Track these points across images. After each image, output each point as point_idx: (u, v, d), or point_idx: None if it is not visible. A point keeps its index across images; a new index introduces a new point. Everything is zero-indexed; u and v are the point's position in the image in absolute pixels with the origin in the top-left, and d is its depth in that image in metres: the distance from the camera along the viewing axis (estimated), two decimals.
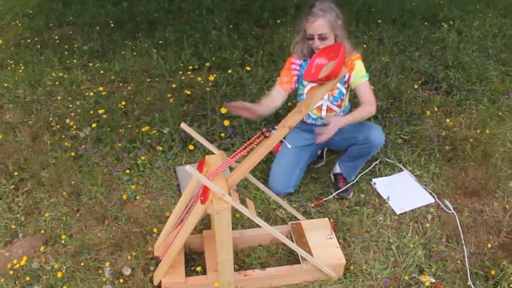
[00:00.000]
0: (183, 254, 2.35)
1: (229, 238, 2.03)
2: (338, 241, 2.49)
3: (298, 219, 2.58)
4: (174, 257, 2.18)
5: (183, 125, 2.22)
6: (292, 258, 2.46)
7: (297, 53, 2.68)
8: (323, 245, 2.39)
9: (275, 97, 2.71)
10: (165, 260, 2.20)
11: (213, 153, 2.25)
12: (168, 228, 2.35)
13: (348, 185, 2.87)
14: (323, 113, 2.78)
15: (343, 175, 2.88)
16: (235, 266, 2.38)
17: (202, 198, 1.99)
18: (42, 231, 2.61)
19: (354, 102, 2.81)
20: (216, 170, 2.00)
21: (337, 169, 2.91)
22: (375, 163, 3.10)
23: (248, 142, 2.07)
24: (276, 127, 2.10)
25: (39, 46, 4.61)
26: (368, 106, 2.61)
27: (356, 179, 2.95)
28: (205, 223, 2.60)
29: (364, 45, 4.55)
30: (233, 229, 2.18)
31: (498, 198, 2.91)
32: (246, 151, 2.04)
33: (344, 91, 2.72)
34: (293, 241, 2.38)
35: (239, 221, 2.67)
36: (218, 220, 1.96)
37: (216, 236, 2.02)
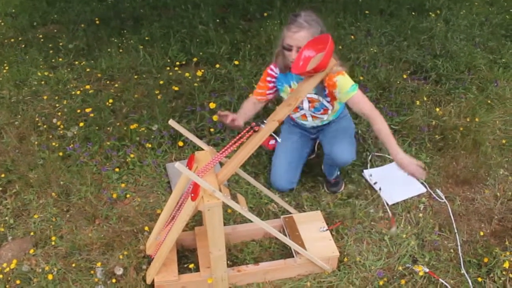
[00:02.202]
0: (175, 251, 2.32)
1: (221, 234, 2.01)
2: (331, 233, 2.48)
3: (290, 213, 2.57)
4: (167, 255, 2.15)
5: (171, 122, 2.20)
6: (286, 252, 2.44)
7: (278, 64, 2.54)
8: (316, 238, 2.38)
9: (251, 108, 2.66)
10: (157, 258, 2.18)
11: (202, 149, 2.22)
12: (160, 226, 2.33)
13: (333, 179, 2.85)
14: (309, 119, 2.71)
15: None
16: (228, 262, 2.37)
17: (192, 195, 1.96)
18: (32, 233, 2.58)
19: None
20: (206, 166, 1.98)
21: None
22: (369, 156, 3.10)
23: (237, 137, 2.05)
24: (265, 121, 2.09)
25: (23, 46, 4.54)
26: (377, 123, 2.38)
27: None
28: (197, 220, 2.58)
29: (352, 36, 4.54)
30: (225, 224, 2.17)
31: (489, 186, 2.91)
32: (236, 146, 2.02)
33: (328, 104, 2.58)
34: (286, 235, 2.37)
35: (231, 217, 2.65)
36: (210, 217, 1.94)
37: (208, 232, 2.00)
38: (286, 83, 2.58)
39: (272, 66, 2.60)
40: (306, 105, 2.61)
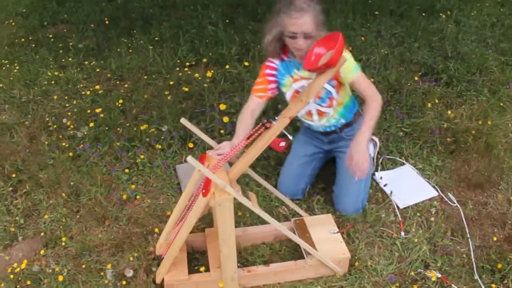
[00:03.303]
0: (185, 252, 2.32)
1: (232, 231, 2.00)
2: (342, 236, 2.46)
3: (301, 216, 2.55)
4: (176, 254, 2.15)
5: (183, 120, 2.21)
6: (296, 255, 2.43)
7: (273, 52, 2.42)
8: (327, 240, 2.36)
9: (249, 119, 2.42)
10: (167, 257, 2.17)
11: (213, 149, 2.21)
12: (170, 226, 2.32)
13: None
14: (315, 117, 2.62)
15: None
16: (239, 264, 2.36)
17: (203, 191, 1.96)
18: (42, 234, 2.58)
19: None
20: (217, 163, 1.97)
21: None
22: (380, 158, 3.07)
23: (249, 134, 2.05)
24: (276, 118, 2.06)
25: (33, 45, 4.56)
26: (373, 102, 2.31)
27: None
28: (207, 222, 2.57)
29: (362, 38, 4.52)
30: (235, 227, 2.15)
31: (502, 190, 2.88)
32: (247, 143, 2.00)
33: (332, 89, 2.48)
34: (295, 231, 2.37)
35: (241, 219, 2.63)
36: (220, 213, 1.93)
37: (219, 229, 1.99)
38: (287, 73, 2.48)
39: (270, 60, 2.49)
40: None
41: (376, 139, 3.01)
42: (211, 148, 2.25)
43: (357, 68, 2.35)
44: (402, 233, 2.55)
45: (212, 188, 1.92)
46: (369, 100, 2.33)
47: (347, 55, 2.29)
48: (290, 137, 2.24)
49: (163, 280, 2.21)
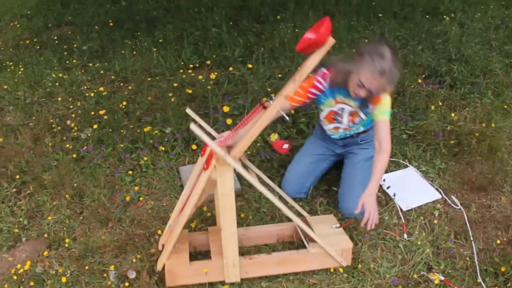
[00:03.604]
0: (187, 243, 2.34)
1: (233, 206, 2.03)
2: (345, 231, 2.46)
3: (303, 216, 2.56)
4: (178, 235, 2.15)
5: (188, 110, 2.26)
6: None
7: (334, 78, 2.39)
8: (329, 233, 2.36)
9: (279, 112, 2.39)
10: (169, 241, 2.17)
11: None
12: (173, 218, 2.33)
13: None
14: (340, 131, 2.68)
15: None
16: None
17: (205, 166, 1.99)
18: (46, 235, 2.59)
19: None
20: (220, 141, 2.02)
21: None
22: None
23: (248, 115, 2.09)
24: (273, 97, 2.04)
25: (38, 47, 4.58)
26: (384, 153, 2.42)
27: None
28: (210, 223, 2.57)
29: (366, 40, 4.51)
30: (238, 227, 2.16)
31: (505, 192, 2.87)
32: (247, 122, 2.08)
33: (364, 117, 2.58)
34: (299, 233, 2.39)
35: (244, 221, 2.64)
36: (221, 184, 1.98)
37: (219, 204, 2.03)
38: (331, 96, 2.51)
39: (320, 78, 2.44)
40: (346, 120, 2.59)
41: None
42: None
43: (388, 113, 2.45)
44: (405, 236, 2.54)
45: (213, 162, 1.95)
46: (382, 150, 2.43)
47: (387, 98, 2.43)
48: (287, 118, 2.21)
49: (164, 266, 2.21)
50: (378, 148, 2.45)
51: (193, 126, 1.84)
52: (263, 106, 2.03)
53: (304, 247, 2.32)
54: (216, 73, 3.97)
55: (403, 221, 2.64)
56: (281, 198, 2.65)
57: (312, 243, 2.28)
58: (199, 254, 2.45)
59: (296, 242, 2.50)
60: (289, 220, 2.63)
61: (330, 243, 2.27)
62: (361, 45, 2.34)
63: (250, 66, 4.06)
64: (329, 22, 2.02)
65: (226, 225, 2.07)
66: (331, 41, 2.05)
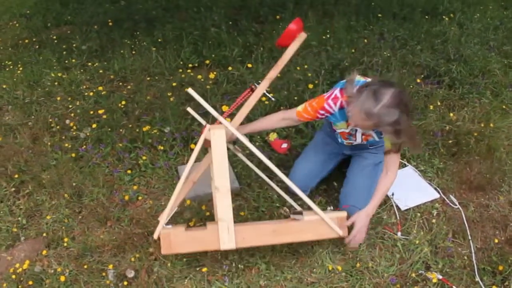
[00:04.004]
0: (185, 225, 2.37)
1: (225, 161, 2.19)
2: (343, 238, 2.46)
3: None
4: (176, 199, 2.28)
5: (190, 90, 2.35)
6: (298, 256, 2.43)
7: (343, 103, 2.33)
8: (325, 212, 2.37)
9: (287, 121, 2.53)
10: (167, 208, 2.25)
11: None
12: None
13: None
14: (354, 144, 2.64)
15: None
16: (240, 265, 2.37)
17: (200, 133, 2.24)
18: (44, 234, 2.59)
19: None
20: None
21: None
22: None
23: (239, 98, 2.41)
24: (260, 81, 2.41)
25: (37, 47, 4.57)
26: (390, 179, 2.38)
27: None
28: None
29: (365, 40, 4.52)
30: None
31: (503, 192, 2.88)
32: (240, 102, 2.41)
33: (377, 140, 2.53)
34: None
35: (242, 220, 2.64)
36: (214, 142, 2.19)
37: (213, 160, 2.18)
38: (342, 119, 2.44)
39: (330, 102, 2.36)
40: (359, 139, 2.54)
41: None
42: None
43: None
44: (399, 233, 2.55)
45: (208, 126, 2.22)
46: (387, 176, 2.38)
47: None
48: (272, 98, 2.65)
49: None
50: (385, 173, 2.38)
51: (190, 90, 2.22)
52: (252, 89, 2.40)
53: None
54: (215, 73, 3.97)
55: (398, 219, 2.65)
56: (278, 199, 2.67)
57: (306, 211, 2.31)
58: (197, 254, 2.45)
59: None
60: (286, 217, 2.66)
61: (325, 213, 2.29)
62: (373, 79, 2.22)
63: (249, 65, 4.06)
64: (301, 20, 2.48)
65: (219, 181, 2.16)
66: (303, 35, 2.48)
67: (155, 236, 2.23)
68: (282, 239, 2.26)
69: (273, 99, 2.66)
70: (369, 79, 2.28)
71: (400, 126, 2.04)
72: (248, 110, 2.38)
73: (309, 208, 2.30)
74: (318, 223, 2.25)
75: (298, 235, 2.26)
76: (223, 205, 2.16)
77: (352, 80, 2.18)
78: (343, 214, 2.28)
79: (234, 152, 2.63)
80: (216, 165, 2.19)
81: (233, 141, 2.60)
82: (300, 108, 2.45)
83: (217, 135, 2.21)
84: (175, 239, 2.18)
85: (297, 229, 2.26)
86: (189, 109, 2.39)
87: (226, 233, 2.17)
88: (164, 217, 2.24)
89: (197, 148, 2.22)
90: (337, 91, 2.35)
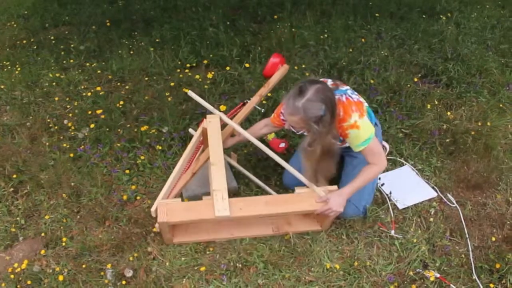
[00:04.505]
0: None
1: (220, 143, 2.48)
2: (341, 237, 2.47)
3: None
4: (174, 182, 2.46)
5: (190, 93, 2.70)
6: (296, 255, 2.44)
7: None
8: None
9: (268, 127, 2.77)
10: (166, 185, 2.42)
11: None
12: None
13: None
14: None
15: None
16: (238, 264, 2.38)
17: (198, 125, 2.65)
18: (43, 234, 2.60)
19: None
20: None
21: None
22: None
23: (232, 111, 2.80)
24: (251, 98, 2.85)
25: (35, 47, 4.57)
26: (374, 166, 2.37)
27: None
28: None
29: (362, 39, 4.53)
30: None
31: (501, 190, 2.89)
32: (232, 115, 2.77)
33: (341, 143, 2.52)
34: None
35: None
36: (210, 127, 2.53)
37: (209, 144, 2.46)
38: None
39: (282, 110, 2.46)
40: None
41: (387, 145, 3.04)
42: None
43: (365, 143, 2.31)
44: (393, 231, 2.55)
45: (204, 121, 2.57)
46: (371, 164, 2.38)
47: (353, 131, 2.28)
48: (262, 110, 3.04)
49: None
50: (369, 163, 2.40)
51: (190, 93, 2.60)
52: (244, 104, 2.85)
53: None
54: (213, 73, 3.97)
55: (393, 218, 2.65)
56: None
57: (298, 187, 2.42)
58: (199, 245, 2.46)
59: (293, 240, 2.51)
60: None
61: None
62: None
63: (247, 65, 4.07)
64: (281, 56, 3.03)
65: (215, 160, 2.39)
66: (286, 66, 3.03)
67: (152, 208, 2.30)
68: (274, 209, 2.35)
69: (262, 110, 3.03)
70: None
71: (323, 122, 2.11)
72: (239, 120, 2.77)
73: None
74: (308, 196, 2.37)
75: (289, 206, 2.36)
76: (218, 176, 2.31)
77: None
78: (333, 187, 2.40)
79: (229, 161, 2.79)
80: (212, 145, 2.45)
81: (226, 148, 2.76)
82: (273, 114, 2.68)
83: (213, 121, 2.57)
84: (172, 208, 2.28)
85: (290, 201, 2.37)
86: (190, 93, 2.70)
87: (220, 201, 2.26)
88: (161, 193, 2.35)
89: (197, 133, 2.62)
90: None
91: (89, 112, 3.51)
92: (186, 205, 2.33)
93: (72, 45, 4.55)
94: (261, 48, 4.34)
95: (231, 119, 2.72)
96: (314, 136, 2.21)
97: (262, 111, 2.99)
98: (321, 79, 2.31)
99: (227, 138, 2.74)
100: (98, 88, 3.81)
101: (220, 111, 3.36)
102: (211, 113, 2.69)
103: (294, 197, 2.38)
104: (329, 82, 2.35)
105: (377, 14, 5.08)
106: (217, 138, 2.52)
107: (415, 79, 3.91)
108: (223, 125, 2.68)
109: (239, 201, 2.34)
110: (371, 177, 2.40)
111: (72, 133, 3.32)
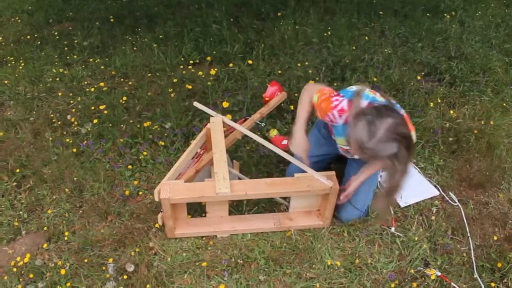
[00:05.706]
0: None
1: (222, 139, 2.60)
2: (343, 235, 2.48)
3: None
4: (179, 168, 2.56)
5: (196, 103, 2.87)
6: (297, 252, 2.45)
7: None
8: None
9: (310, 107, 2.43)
10: (170, 172, 2.49)
11: None
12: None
13: None
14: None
15: None
16: (240, 260, 2.38)
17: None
18: (45, 228, 2.61)
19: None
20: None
21: None
22: None
23: (234, 125, 2.83)
24: (252, 114, 3.06)
25: (39, 42, 4.58)
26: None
27: None
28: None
29: (366, 37, 4.52)
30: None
31: (503, 190, 2.89)
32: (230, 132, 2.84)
33: None
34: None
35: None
36: (213, 127, 2.67)
37: (212, 140, 2.58)
38: (343, 135, 2.33)
39: (336, 113, 2.21)
40: (357, 156, 2.43)
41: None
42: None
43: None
44: (393, 229, 2.55)
45: (208, 125, 2.71)
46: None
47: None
48: (262, 124, 3.21)
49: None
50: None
51: (196, 103, 2.82)
52: (245, 119, 2.99)
53: None
54: (216, 69, 3.97)
55: (393, 215, 2.65)
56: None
57: (298, 174, 2.46)
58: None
59: (294, 237, 2.52)
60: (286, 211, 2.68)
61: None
62: (377, 105, 2.03)
63: (250, 62, 4.07)
64: (278, 84, 3.26)
65: (217, 150, 2.51)
66: (284, 93, 3.25)
67: (156, 190, 2.34)
68: (276, 189, 2.40)
69: (263, 124, 3.19)
70: (378, 95, 2.16)
71: (398, 159, 1.90)
72: (240, 135, 2.87)
73: None
74: (309, 179, 2.41)
75: (292, 187, 2.41)
76: (219, 163, 2.44)
77: (359, 96, 2.07)
78: (331, 172, 2.44)
79: (232, 171, 2.71)
80: (214, 142, 2.58)
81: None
82: (315, 99, 2.32)
83: (216, 122, 2.73)
84: (173, 187, 2.35)
85: (291, 184, 2.42)
86: (196, 103, 2.88)
87: (222, 180, 2.35)
88: (165, 178, 2.44)
89: (201, 133, 2.76)
90: (344, 103, 2.18)
91: (92, 108, 3.52)
92: (189, 185, 2.40)
93: (75, 41, 4.56)
94: (265, 45, 4.34)
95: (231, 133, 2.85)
96: (390, 172, 2.01)
97: (263, 125, 3.18)
98: (370, 90, 2.16)
99: (230, 143, 2.81)
100: (102, 84, 3.82)
101: (223, 107, 3.39)
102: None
103: (296, 180, 2.43)
104: (378, 96, 2.17)
105: (381, 12, 5.07)
106: (220, 135, 2.63)
107: (419, 77, 3.91)
108: (226, 135, 2.76)
109: (240, 183, 2.44)
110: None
111: (75, 129, 3.33)
